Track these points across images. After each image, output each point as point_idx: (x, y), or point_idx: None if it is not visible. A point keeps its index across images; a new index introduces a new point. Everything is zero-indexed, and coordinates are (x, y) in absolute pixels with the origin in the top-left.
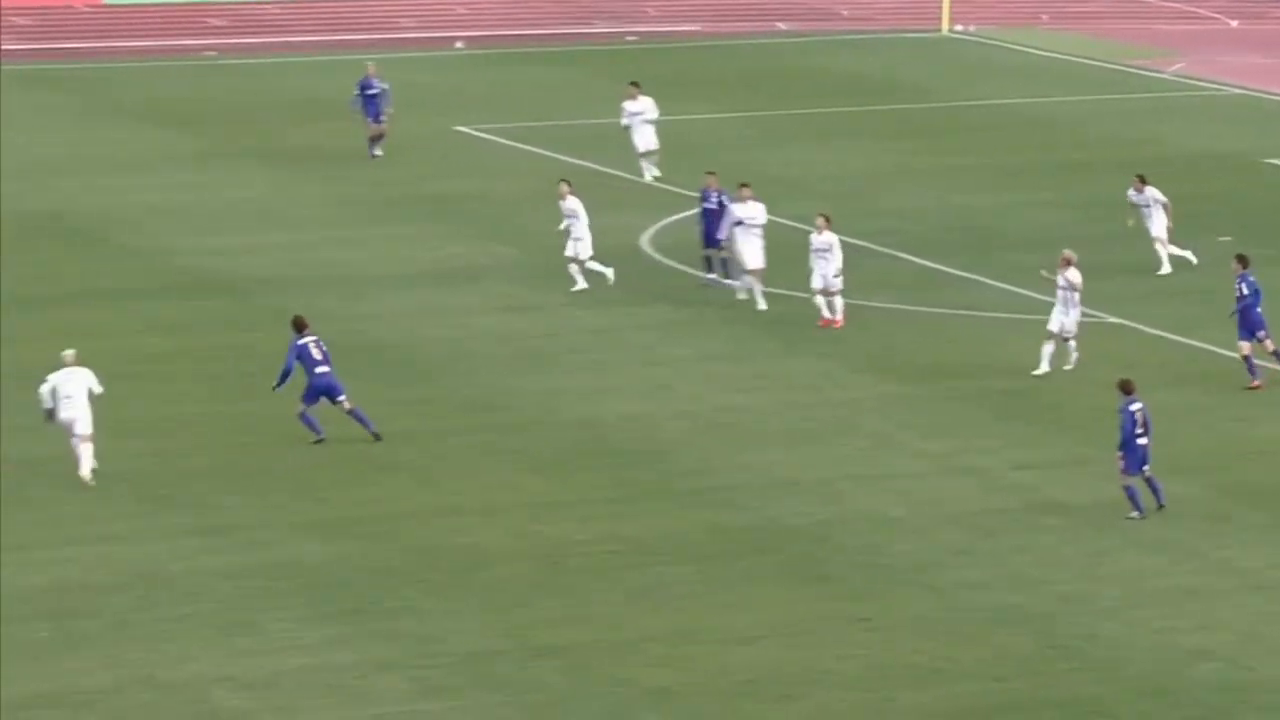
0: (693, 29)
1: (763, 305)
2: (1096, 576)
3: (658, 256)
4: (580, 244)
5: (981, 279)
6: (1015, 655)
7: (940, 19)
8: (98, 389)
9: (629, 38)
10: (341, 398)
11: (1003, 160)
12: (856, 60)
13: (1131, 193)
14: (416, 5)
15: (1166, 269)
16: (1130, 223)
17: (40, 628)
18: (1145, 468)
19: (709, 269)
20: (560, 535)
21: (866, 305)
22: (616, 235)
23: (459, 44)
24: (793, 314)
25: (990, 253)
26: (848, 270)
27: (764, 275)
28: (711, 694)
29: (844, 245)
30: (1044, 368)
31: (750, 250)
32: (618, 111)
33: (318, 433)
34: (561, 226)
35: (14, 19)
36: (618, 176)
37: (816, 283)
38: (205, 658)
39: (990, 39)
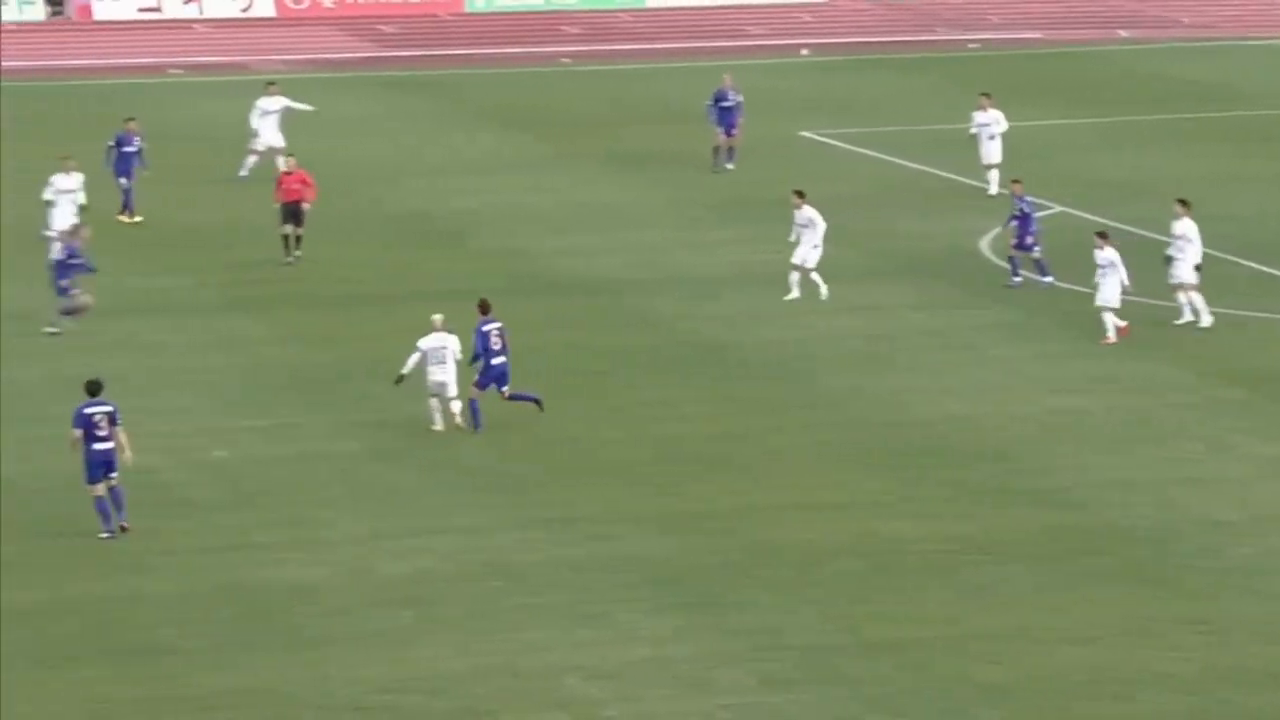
0: (1034, 36)
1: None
2: None
3: (996, 260)
4: (813, 253)
5: None
6: None
7: None
8: (458, 355)
9: (971, 44)
10: (505, 387)
11: None
12: (1197, 67)
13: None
14: (765, 13)
15: None
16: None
17: (403, 614)
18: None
19: (1014, 270)
20: (896, 533)
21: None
22: (955, 239)
23: (804, 51)
24: (1126, 316)
25: None
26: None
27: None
28: (1046, 692)
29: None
30: None
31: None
32: (965, 119)
33: (477, 425)
34: (792, 238)
35: (380, 27)
36: (956, 181)
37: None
38: (556, 647)
39: None
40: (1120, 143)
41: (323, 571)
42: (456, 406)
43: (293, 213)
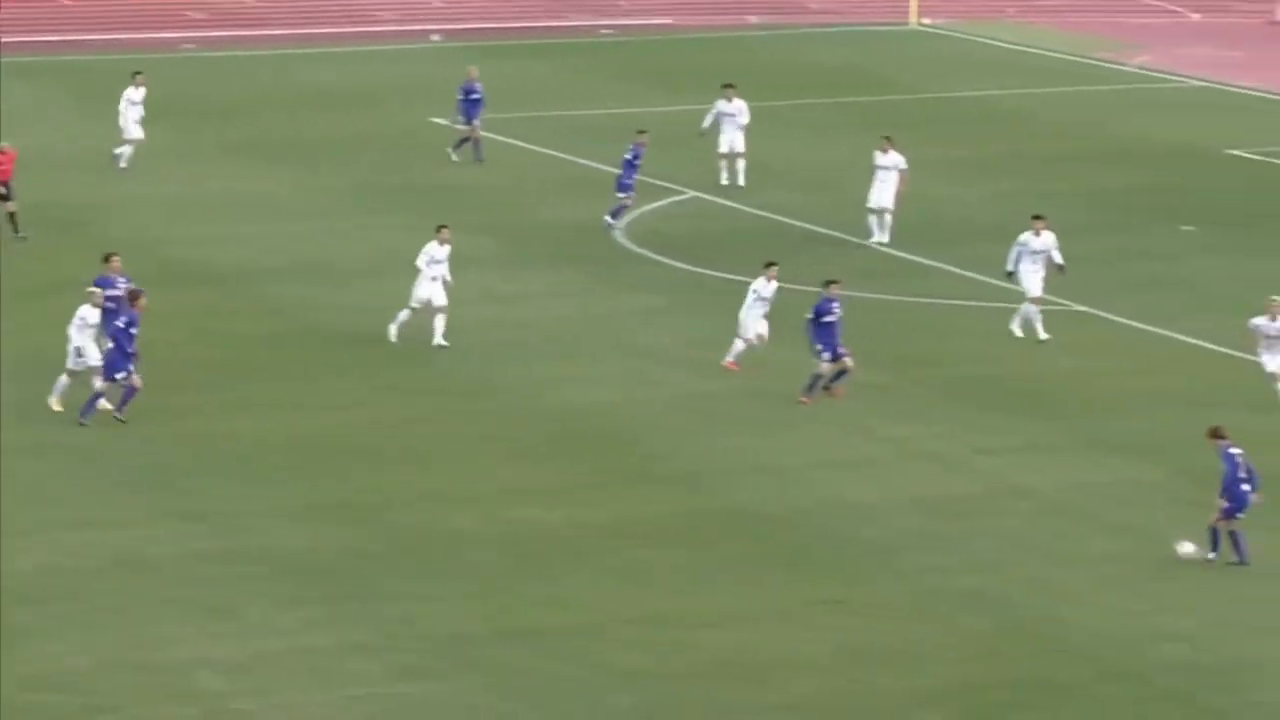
0: (665, 22)
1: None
2: (1059, 560)
3: (632, 246)
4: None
5: (949, 268)
6: (979, 637)
7: (909, 12)
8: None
9: (603, 31)
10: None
11: (970, 152)
12: (825, 53)
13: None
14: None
15: None
16: None
17: (25, 611)
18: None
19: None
20: (535, 520)
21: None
22: (593, 225)
23: (435, 37)
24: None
25: (955, 243)
26: (820, 260)
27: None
28: (684, 676)
29: (817, 237)
30: None
31: (1033, 279)
32: (600, 105)
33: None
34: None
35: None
36: (591, 168)
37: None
38: (186, 641)
39: (957, 32)
40: (751, 128)
41: None
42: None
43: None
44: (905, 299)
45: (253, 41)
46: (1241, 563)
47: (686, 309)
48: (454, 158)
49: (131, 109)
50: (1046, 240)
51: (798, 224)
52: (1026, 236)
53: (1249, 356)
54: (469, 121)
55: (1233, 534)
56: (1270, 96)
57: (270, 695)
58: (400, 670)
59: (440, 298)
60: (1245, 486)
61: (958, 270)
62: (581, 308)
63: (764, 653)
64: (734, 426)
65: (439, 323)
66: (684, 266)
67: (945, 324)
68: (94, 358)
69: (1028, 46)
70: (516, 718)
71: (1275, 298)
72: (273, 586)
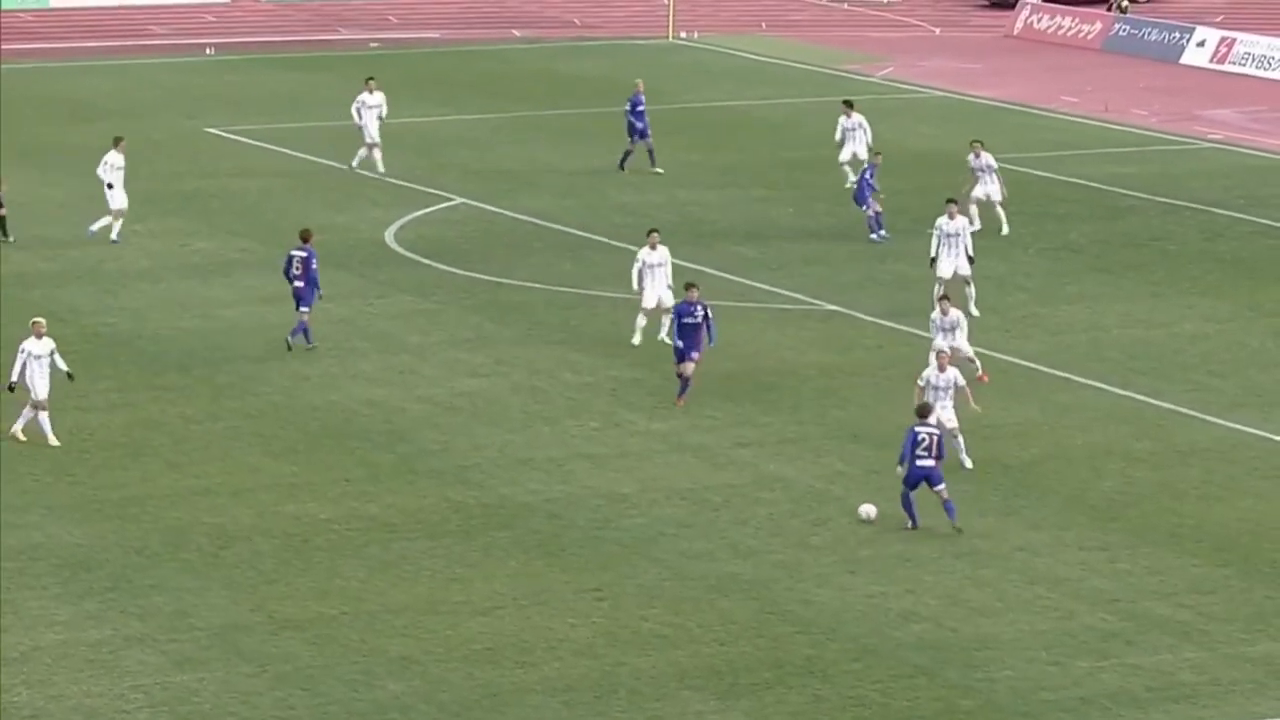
0: (433, 36)
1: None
2: (811, 546)
3: (401, 250)
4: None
5: (704, 269)
6: (736, 620)
7: (667, 27)
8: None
9: (372, 44)
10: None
11: (724, 158)
12: (587, 65)
13: (971, 158)
14: (169, 13)
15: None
16: (965, 190)
17: None
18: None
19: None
20: (305, 514)
21: (599, 295)
22: (362, 230)
23: (209, 50)
24: (530, 303)
25: (713, 244)
26: (579, 262)
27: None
28: (452, 661)
29: (580, 240)
30: None
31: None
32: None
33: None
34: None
35: None
36: (359, 175)
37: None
38: None
39: (713, 45)
40: (516, 137)
41: None
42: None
43: None
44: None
45: (29, 55)
46: (954, 529)
47: (454, 310)
48: (659, 170)
49: (367, 112)
50: (959, 224)
51: (557, 227)
52: (941, 220)
53: (1005, 355)
54: (643, 136)
55: (945, 503)
56: (1007, 106)
57: (48, 686)
58: (176, 661)
59: None
60: (923, 461)
61: (712, 270)
62: (351, 309)
63: (530, 638)
64: (498, 422)
65: None
66: (451, 270)
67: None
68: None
69: (779, 59)
70: (290, 704)
71: (946, 298)
72: (50, 580)
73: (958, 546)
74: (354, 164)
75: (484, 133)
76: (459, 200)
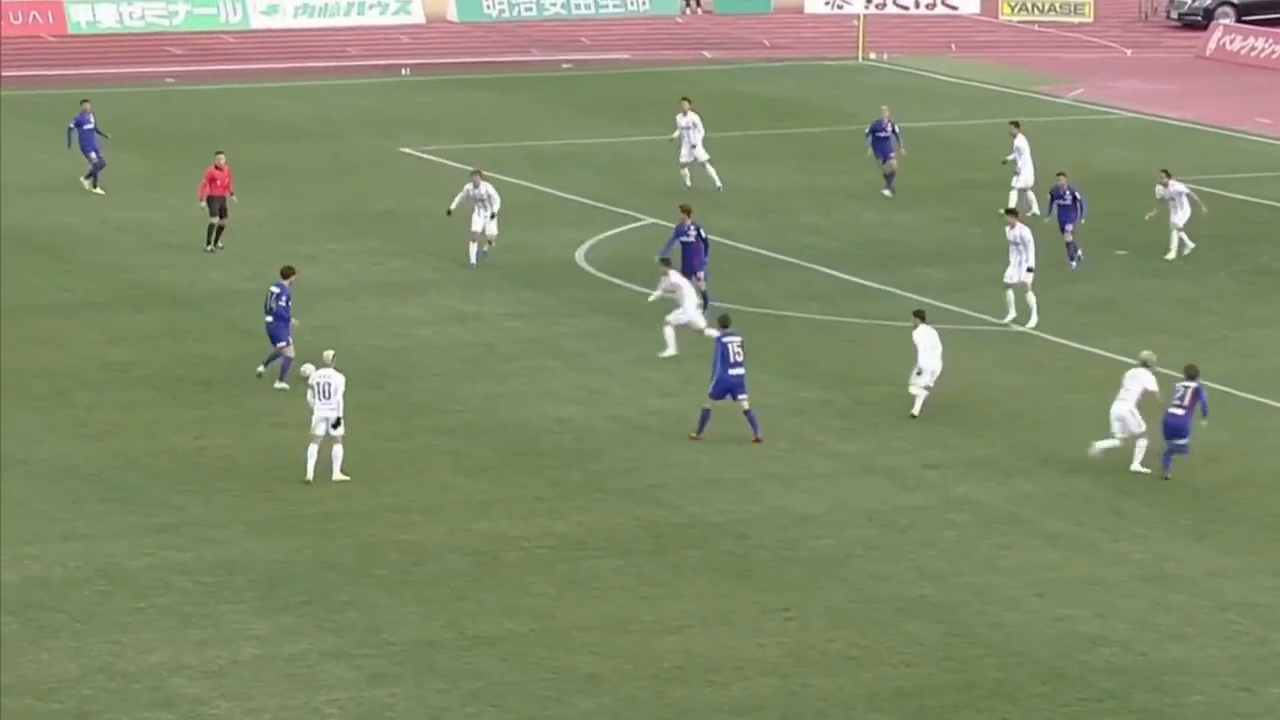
0: (624, 57)
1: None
2: (1000, 569)
3: (591, 270)
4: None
5: (891, 290)
6: (924, 642)
7: (857, 48)
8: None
9: (564, 65)
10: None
11: (913, 180)
12: (776, 86)
13: (1158, 187)
14: (364, 35)
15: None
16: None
17: (10, 622)
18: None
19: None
20: (496, 531)
21: (787, 315)
22: (553, 250)
23: (405, 70)
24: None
25: (899, 267)
26: (767, 282)
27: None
28: (641, 680)
29: (767, 260)
30: None
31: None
32: (558, 135)
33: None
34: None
35: None
36: (553, 195)
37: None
38: (163, 648)
39: (903, 67)
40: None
41: None
42: (339, 452)
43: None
44: (849, 320)
45: (229, 76)
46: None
47: (643, 329)
48: (885, 193)
49: (690, 133)
50: (1020, 233)
51: (745, 247)
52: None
53: (1173, 373)
54: (886, 158)
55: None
56: (1199, 128)
57: (246, 700)
58: (369, 676)
59: None
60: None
61: (899, 291)
62: (542, 328)
63: (718, 657)
64: (687, 442)
65: None
66: (641, 289)
67: (886, 343)
68: None
69: (969, 80)
70: None
71: None
72: (247, 595)
73: (1147, 571)
74: (685, 177)
75: (674, 153)
76: (649, 220)
